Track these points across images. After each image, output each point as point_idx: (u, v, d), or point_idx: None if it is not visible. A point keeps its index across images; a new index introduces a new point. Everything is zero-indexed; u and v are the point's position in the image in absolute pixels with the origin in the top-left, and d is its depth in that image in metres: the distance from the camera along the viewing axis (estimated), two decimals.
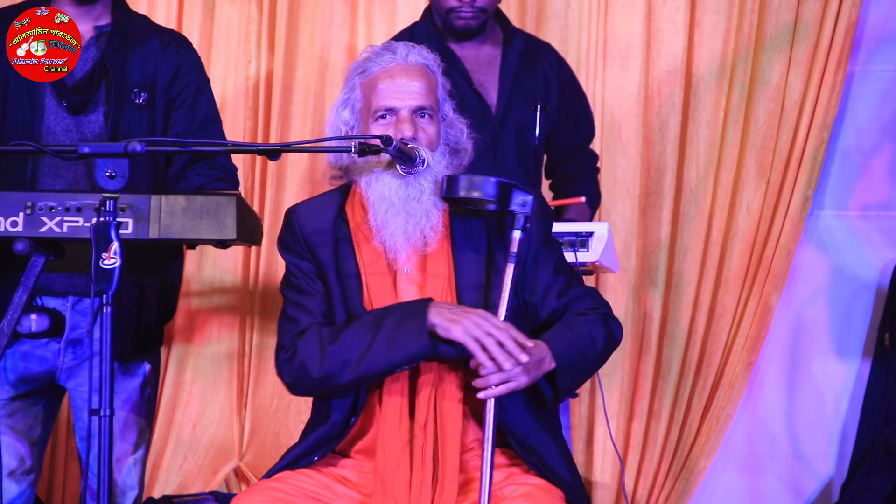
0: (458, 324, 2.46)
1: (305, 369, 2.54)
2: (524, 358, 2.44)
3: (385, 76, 2.64)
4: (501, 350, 2.44)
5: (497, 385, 2.45)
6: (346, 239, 2.64)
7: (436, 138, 2.66)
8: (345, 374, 2.51)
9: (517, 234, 2.55)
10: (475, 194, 2.54)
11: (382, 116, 2.63)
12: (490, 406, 2.47)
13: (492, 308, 2.54)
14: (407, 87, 2.63)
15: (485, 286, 2.60)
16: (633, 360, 4.35)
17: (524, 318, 2.64)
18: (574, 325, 2.61)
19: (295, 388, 2.60)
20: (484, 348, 2.45)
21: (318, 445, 2.59)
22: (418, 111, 2.64)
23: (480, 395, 2.46)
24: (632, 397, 4.35)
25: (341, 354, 2.51)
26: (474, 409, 2.59)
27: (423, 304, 2.51)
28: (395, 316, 2.51)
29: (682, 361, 4.33)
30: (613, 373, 4.33)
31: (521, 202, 2.55)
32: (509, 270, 2.53)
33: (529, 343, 2.48)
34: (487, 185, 2.53)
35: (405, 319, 2.49)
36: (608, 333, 2.63)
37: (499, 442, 2.60)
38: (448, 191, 2.55)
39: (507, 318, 2.53)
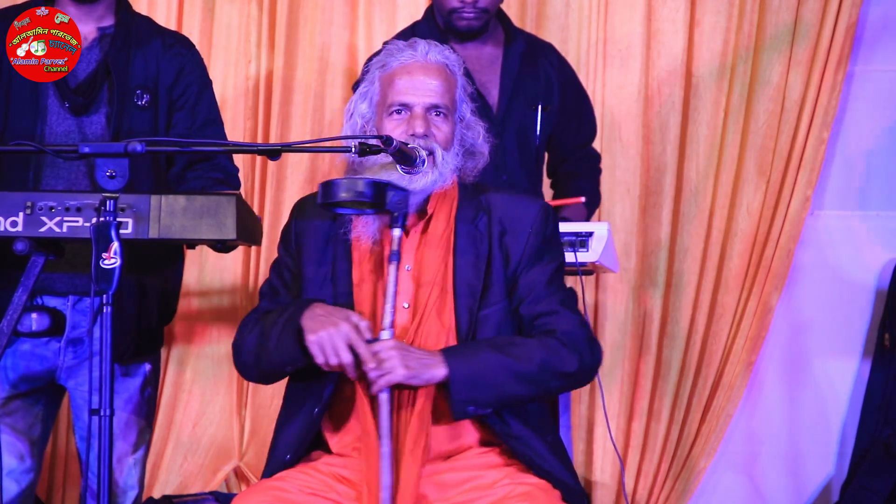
0: (315, 332, 2.47)
1: (238, 354, 2.66)
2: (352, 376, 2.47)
3: (403, 72, 2.64)
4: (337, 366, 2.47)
5: (378, 380, 2.45)
6: (347, 234, 2.65)
7: (449, 138, 2.65)
8: (260, 365, 2.60)
9: (396, 233, 2.54)
10: (348, 195, 2.50)
11: (397, 112, 2.63)
12: (383, 399, 2.46)
13: (473, 309, 2.56)
14: (424, 84, 2.63)
15: (479, 288, 2.59)
16: (633, 360, 4.35)
17: (514, 321, 2.63)
18: (502, 342, 2.54)
19: (239, 370, 2.69)
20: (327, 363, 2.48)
21: (292, 441, 2.60)
22: (433, 109, 2.63)
23: (372, 390, 2.46)
24: (632, 397, 4.35)
25: (252, 346, 2.60)
26: (444, 416, 2.57)
27: (302, 307, 2.53)
28: (285, 315, 2.55)
29: (682, 361, 4.33)
30: (613, 373, 4.33)
31: (397, 201, 2.54)
32: (392, 270, 2.51)
33: (371, 364, 2.44)
34: (361, 186, 2.51)
35: (289, 322, 2.53)
36: (553, 362, 2.53)
37: (495, 441, 2.61)
38: (324, 197, 2.52)
39: (480, 318, 2.56)
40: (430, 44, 2.69)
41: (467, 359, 2.49)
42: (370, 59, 2.75)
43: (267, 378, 2.68)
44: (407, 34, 3.76)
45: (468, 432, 2.60)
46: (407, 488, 2.44)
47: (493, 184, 2.93)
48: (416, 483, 2.46)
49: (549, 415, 2.69)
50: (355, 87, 2.82)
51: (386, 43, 2.78)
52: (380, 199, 2.51)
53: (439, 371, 2.47)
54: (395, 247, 2.52)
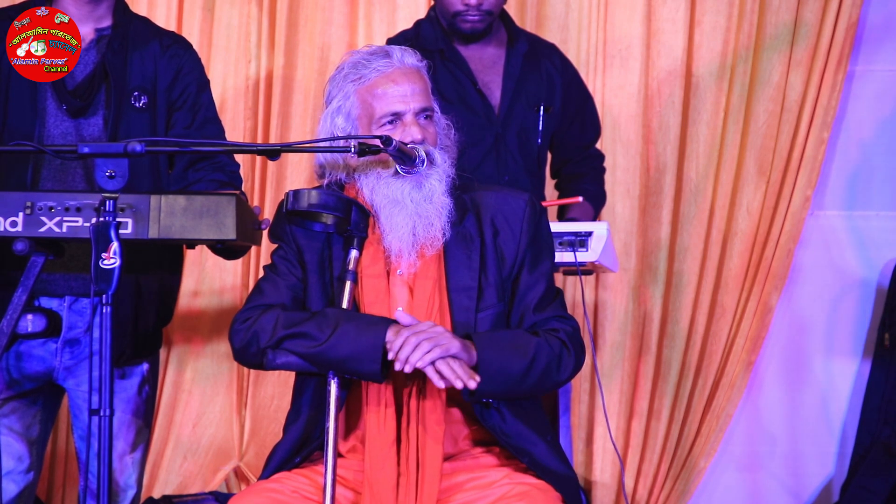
0: (401, 336, 2.43)
1: (257, 340, 2.55)
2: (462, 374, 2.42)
3: (385, 81, 2.62)
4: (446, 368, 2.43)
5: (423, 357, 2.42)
6: (343, 238, 2.64)
7: (437, 137, 2.66)
8: (311, 356, 2.51)
9: (354, 254, 2.56)
10: (317, 204, 2.54)
11: (389, 122, 2.62)
12: (332, 396, 2.46)
13: (470, 312, 2.56)
14: (410, 89, 2.62)
15: (475, 289, 2.58)
16: (633, 360, 4.35)
17: (505, 323, 2.63)
18: (516, 340, 2.54)
19: (241, 354, 2.60)
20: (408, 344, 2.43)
21: (298, 447, 2.59)
22: (421, 112, 2.63)
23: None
24: (632, 397, 4.35)
25: (291, 346, 2.52)
26: (463, 414, 2.60)
27: (384, 322, 2.49)
28: (356, 327, 2.48)
29: (682, 361, 4.33)
30: (613, 373, 4.33)
31: (358, 222, 2.56)
32: (347, 288, 2.53)
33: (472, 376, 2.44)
34: (331, 198, 2.54)
35: (361, 334, 2.46)
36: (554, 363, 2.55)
37: (489, 440, 2.61)
38: (294, 203, 2.55)
39: (476, 321, 2.55)
40: (401, 48, 2.68)
41: (492, 346, 2.49)
42: (333, 77, 2.72)
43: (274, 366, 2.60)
44: (410, 34, 3.76)
45: (462, 433, 2.61)
46: (429, 483, 2.46)
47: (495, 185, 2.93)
48: (439, 481, 2.47)
49: (547, 417, 2.69)
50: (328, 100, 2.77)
51: (351, 53, 2.75)
52: (346, 213, 2.54)
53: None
54: (351, 267, 2.54)
